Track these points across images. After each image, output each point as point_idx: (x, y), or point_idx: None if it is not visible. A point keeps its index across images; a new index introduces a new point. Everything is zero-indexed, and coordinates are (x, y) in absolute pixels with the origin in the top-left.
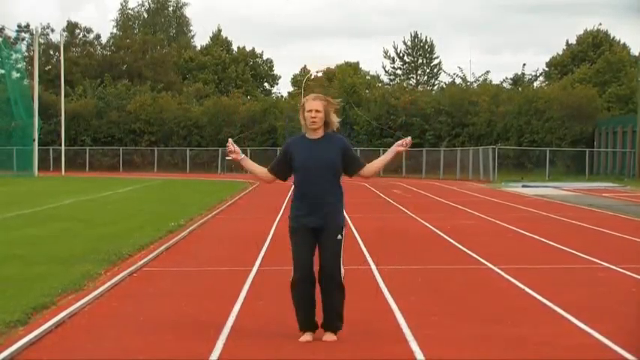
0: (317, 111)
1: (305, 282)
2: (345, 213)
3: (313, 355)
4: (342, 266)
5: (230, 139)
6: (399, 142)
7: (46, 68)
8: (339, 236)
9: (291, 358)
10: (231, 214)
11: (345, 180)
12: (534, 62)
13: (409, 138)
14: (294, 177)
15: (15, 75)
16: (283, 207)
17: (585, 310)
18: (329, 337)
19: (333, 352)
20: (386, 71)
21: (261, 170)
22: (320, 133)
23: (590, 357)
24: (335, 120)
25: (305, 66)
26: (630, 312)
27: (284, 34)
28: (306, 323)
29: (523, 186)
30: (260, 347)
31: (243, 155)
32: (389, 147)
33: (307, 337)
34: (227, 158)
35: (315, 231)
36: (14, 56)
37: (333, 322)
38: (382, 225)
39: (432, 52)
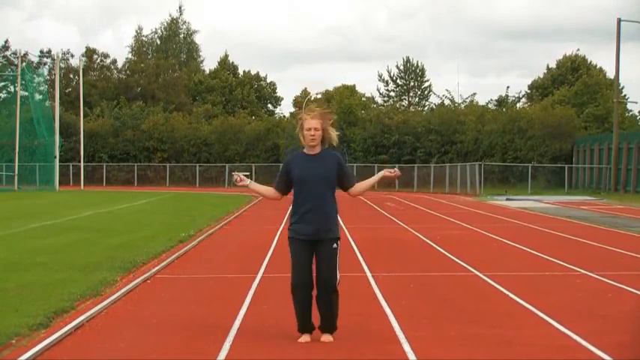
0: (315, 129)
1: (303, 288)
2: (340, 222)
3: (313, 356)
4: (337, 273)
5: (235, 173)
6: (389, 170)
7: (67, 91)
8: (335, 245)
9: (293, 358)
10: (237, 225)
11: (341, 193)
12: (517, 85)
13: (398, 171)
14: (293, 190)
15: (37, 97)
16: (285, 219)
17: (565, 314)
18: (326, 338)
19: (331, 352)
20: (380, 93)
21: (267, 190)
22: (318, 150)
23: (569, 357)
24: (333, 135)
25: (305, 88)
26: (606, 315)
27: (286, 58)
28: (305, 325)
29: (507, 199)
30: (264, 348)
31: (249, 181)
32: (383, 163)
33: (306, 338)
34: (237, 185)
35: (312, 240)
36: (37, 79)
37: (330, 324)
38: (376, 235)
39: (422, 75)
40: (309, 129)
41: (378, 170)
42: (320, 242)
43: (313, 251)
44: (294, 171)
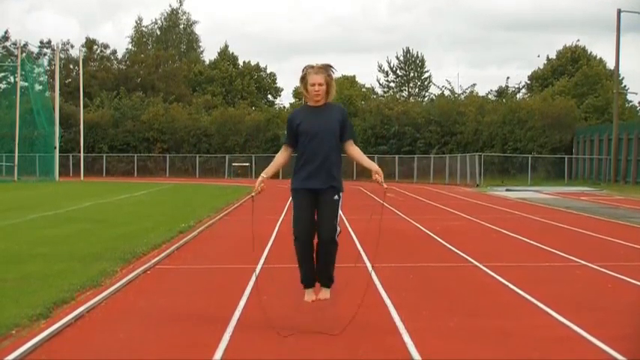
0: (319, 84)
1: (306, 237)
2: (340, 213)
3: (313, 346)
4: (337, 226)
5: (253, 193)
6: (380, 178)
7: (66, 81)
8: (336, 196)
9: (293, 349)
10: (238, 216)
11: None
12: (517, 76)
13: (385, 185)
14: (299, 142)
15: (37, 88)
16: (285, 209)
17: (564, 305)
18: (324, 294)
19: (331, 342)
20: (380, 84)
21: (278, 160)
22: (321, 102)
23: (569, 348)
24: (333, 90)
25: None
26: (606, 306)
27: (286, 49)
28: (307, 277)
29: (507, 190)
30: (264, 338)
31: (262, 176)
32: (383, 154)
33: (310, 295)
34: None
35: (315, 192)
36: (37, 70)
37: (327, 276)
38: (376, 226)
39: (422, 66)
40: (314, 84)
41: (379, 161)
42: (322, 193)
43: (316, 202)
44: (300, 123)
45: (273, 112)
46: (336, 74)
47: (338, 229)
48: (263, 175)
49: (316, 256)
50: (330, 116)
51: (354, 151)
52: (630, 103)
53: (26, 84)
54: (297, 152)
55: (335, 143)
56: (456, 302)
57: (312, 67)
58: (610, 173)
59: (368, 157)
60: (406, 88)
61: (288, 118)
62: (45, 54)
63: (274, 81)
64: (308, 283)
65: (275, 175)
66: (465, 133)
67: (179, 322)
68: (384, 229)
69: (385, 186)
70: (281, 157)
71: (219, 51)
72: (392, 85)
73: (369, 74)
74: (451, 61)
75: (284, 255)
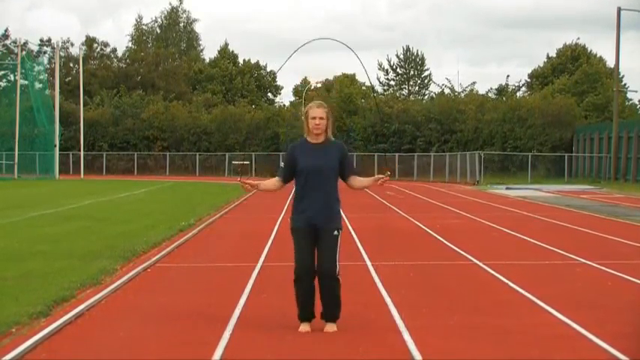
0: (320, 118)
1: (306, 275)
2: (342, 213)
3: (313, 345)
4: (338, 263)
5: (240, 179)
6: (381, 177)
7: (67, 79)
8: (336, 233)
9: (292, 347)
10: (238, 214)
11: (342, 183)
12: (517, 74)
13: (387, 175)
14: (296, 179)
15: (37, 86)
16: (285, 208)
17: (564, 303)
18: (330, 327)
19: (331, 340)
20: (380, 82)
21: (272, 184)
22: (321, 138)
23: (568, 345)
24: (332, 126)
25: (306, 77)
26: (606, 304)
27: (286, 47)
28: (306, 314)
29: (507, 188)
30: (264, 336)
31: (257, 183)
32: (382, 152)
33: (306, 327)
34: (249, 191)
35: (315, 229)
36: (37, 68)
37: (333, 313)
38: (376, 224)
39: (422, 64)
40: (314, 117)
41: (378, 159)
42: (321, 231)
43: (315, 240)
44: (299, 159)
45: (273, 110)
46: (336, 73)
47: (338, 266)
48: (257, 183)
49: (321, 295)
50: (330, 153)
51: (357, 182)
52: (630, 101)
53: (26, 82)
54: (296, 188)
55: (334, 180)
56: (456, 300)
57: (314, 103)
58: (610, 171)
59: (368, 155)
60: (406, 86)
61: (287, 152)
62: (45, 52)
63: (274, 79)
64: (305, 318)
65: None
66: (465, 131)
67: (179, 320)
68: (384, 228)
69: (388, 173)
70: (272, 185)
71: (219, 49)
72: (392, 83)
73: (369, 72)
74: (451, 59)
75: (284, 254)
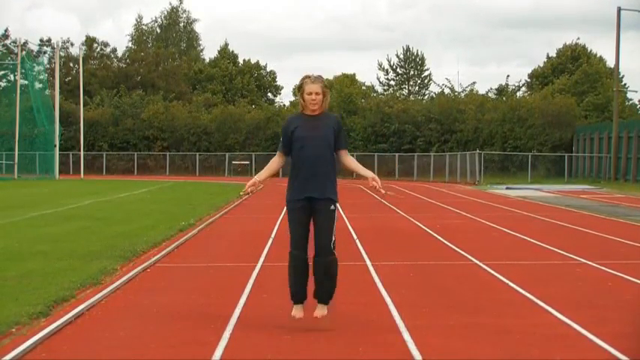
0: (317, 93)
1: (301, 254)
2: (340, 210)
3: (312, 345)
4: (334, 237)
5: (245, 189)
6: (378, 184)
7: (66, 79)
8: (332, 207)
9: (292, 347)
10: (238, 214)
11: (341, 182)
12: (517, 74)
13: (382, 190)
14: (293, 150)
15: (37, 86)
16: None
17: (564, 303)
18: (320, 310)
19: (331, 340)
20: (380, 82)
21: (272, 165)
22: (317, 112)
23: (568, 345)
24: (328, 100)
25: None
26: (606, 304)
27: (286, 47)
28: (298, 294)
29: (507, 188)
30: (264, 336)
31: (255, 179)
32: (382, 152)
33: (299, 311)
34: (252, 193)
35: (310, 202)
36: (37, 68)
37: (326, 292)
38: (376, 224)
39: (422, 64)
40: (311, 93)
41: (378, 159)
42: (317, 204)
43: (311, 214)
44: (295, 130)
45: (273, 110)
46: (336, 73)
47: (334, 240)
48: (257, 178)
49: (314, 272)
50: (326, 124)
51: (349, 160)
52: (630, 101)
53: (26, 82)
54: (291, 160)
55: (330, 152)
56: (456, 300)
57: (308, 77)
58: (610, 171)
59: (368, 155)
60: (406, 86)
61: (283, 126)
62: (45, 52)
63: (274, 79)
64: (298, 299)
65: (275, 174)
66: (465, 131)
67: (179, 320)
68: (384, 228)
69: (383, 192)
70: (275, 163)
71: (219, 49)
72: (392, 83)
73: (369, 72)
74: (451, 59)
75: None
